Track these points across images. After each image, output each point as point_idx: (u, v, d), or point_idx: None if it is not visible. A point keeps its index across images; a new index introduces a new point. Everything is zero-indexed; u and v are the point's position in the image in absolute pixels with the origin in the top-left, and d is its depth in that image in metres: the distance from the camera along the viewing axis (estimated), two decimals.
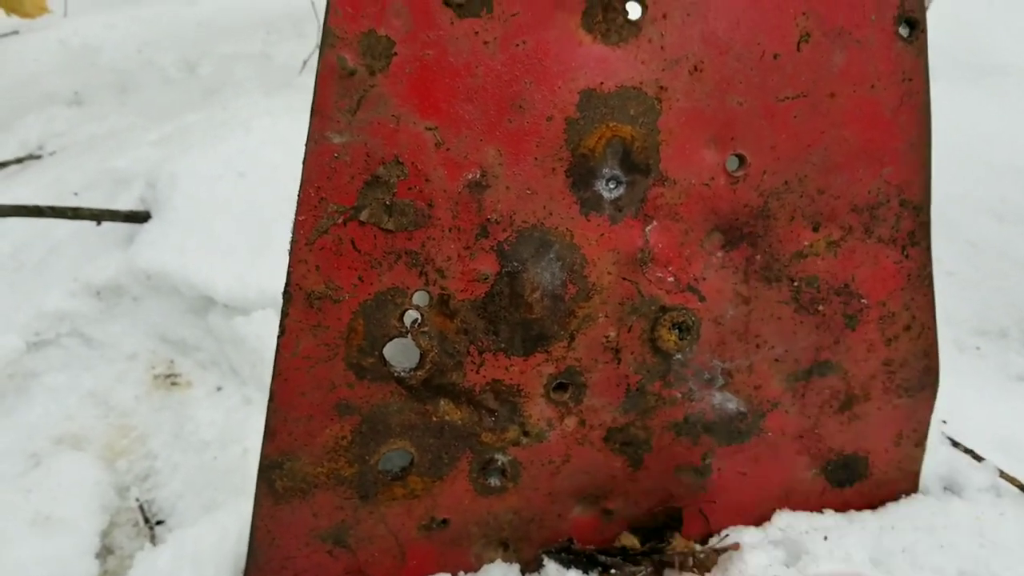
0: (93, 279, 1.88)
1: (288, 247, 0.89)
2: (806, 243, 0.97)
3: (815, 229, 0.97)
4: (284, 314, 0.90)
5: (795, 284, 0.98)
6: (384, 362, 0.93)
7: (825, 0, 0.90)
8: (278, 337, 0.91)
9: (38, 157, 2.64)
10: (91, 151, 2.52)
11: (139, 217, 1.96)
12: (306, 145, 0.87)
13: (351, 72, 0.84)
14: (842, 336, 1.02)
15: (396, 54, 0.84)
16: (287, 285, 0.89)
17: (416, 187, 0.87)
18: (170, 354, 1.87)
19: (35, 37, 3.56)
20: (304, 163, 0.86)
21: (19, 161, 2.60)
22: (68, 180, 2.28)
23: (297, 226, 0.87)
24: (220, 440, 1.64)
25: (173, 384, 1.82)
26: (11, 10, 3.92)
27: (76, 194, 2.21)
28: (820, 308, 1.00)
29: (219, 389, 1.79)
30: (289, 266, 0.88)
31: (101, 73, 3.24)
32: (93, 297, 1.88)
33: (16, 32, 3.74)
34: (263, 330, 1.66)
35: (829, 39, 0.91)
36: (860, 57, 0.92)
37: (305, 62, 3.00)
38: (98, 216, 1.94)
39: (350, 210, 0.87)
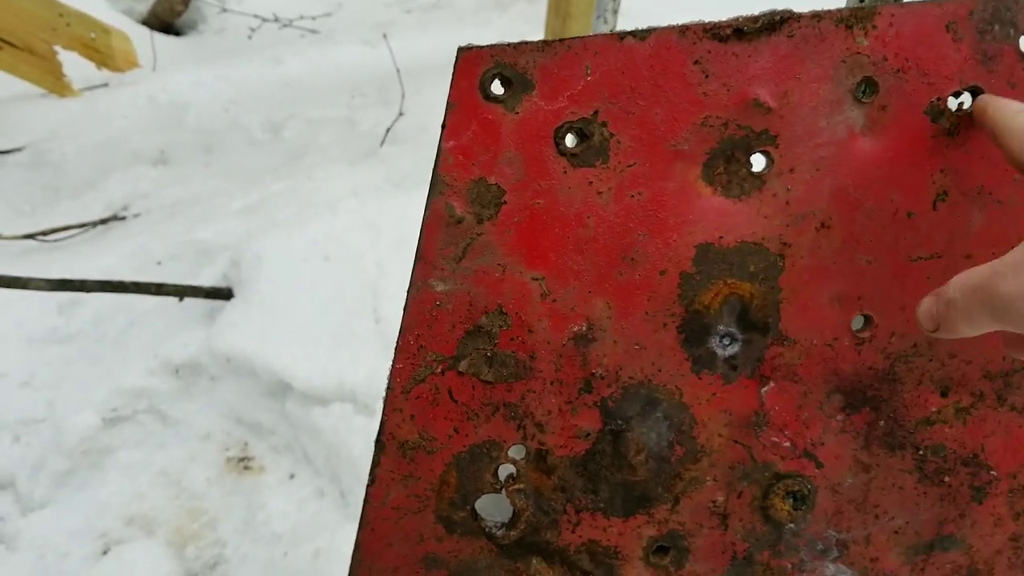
0: (173, 357, 1.88)
1: (384, 394, 0.85)
2: (933, 409, 0.90)
3: (943, 395, 0.90)
4: (375, 463, 0.86)
5: (920, 452, 0.91)
6: (475, 516, 0.88)
7: (965, 157, 0.84)
8: (368, 486, 0.87)
9: (122, 219, 2.68)
10: (175, 217, 2.55)
11: (222, 294, 1.96)
12: (408, 292, 0.83)
13: (459, 220, 0.80)
14: (968, 509, 0.94)
15: (506, 202, 0.81)
16: (380, 434, 0.85)
17: (519, 338, 0.83)
18: (244, 436, 1.86)
19: (124, 92, 3.65)
20: (405, 310, 0.83)
21: (104, 222, 2.65)
22: (151, 248, 2.30)
23: (394, 374, 0.83)
24: (292, 535, 1.61)
25: (246, 468, 1.80)
26: (102, 64, 4.04)
27: (159, 263, 2.23)
28: (946, 479, 0.92)
29: (292, 477, 1.76)
30: (384, 414, 0.84)
31: (187, 132, 3.29)
32: (172, 375, 1.88)
33: (106, 85, 3.84)
34: (340, 424, 1.63)
35: (968, 198, 0.85)
36: (1001, 217, 0.86)
37: (388, 130, 3.01)
38: (181, 292, 1.94)
39: (449, 359, 0.83)
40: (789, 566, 0.93)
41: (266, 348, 1.75)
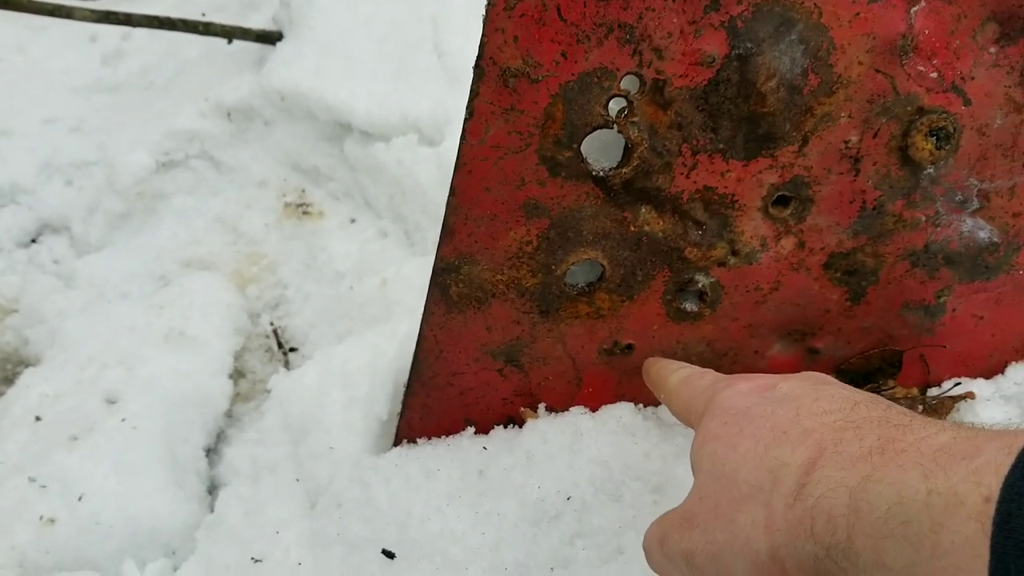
0: (224, 99, 1.79)
1: (483, 13, 0.76)
2: None
3: None
4: (474, 93, 0.77)
5: None
6: (582, 158, 0.80)
7: None
8: (464, 121, 0.78)
9: None
10: None
11: (271, 37, 1.85)
12: None
13: None
14: None
15: None
16: (479, 58, 0.76)
17: None
18: (302, 183, 1.79)
19: None
20: None
21: None
22: (195, 1, 2.18)
23: None
24: (355, 271, 1.57)
25: (304, 213, 1.75)
26: None
27: (204, 15, 2.10)
28: None
29: (353, 221, 1.71)
30: (483, 35, 0.75)
31: None
32: (224, 118, 1.80)
33: None
34: (404, 156, 1.54)
35: None
36: None
37: None
38: (229, 33, 1.84)
39: None
40: (923, 218, 0.85)
41: (322, 84, 1.65)
